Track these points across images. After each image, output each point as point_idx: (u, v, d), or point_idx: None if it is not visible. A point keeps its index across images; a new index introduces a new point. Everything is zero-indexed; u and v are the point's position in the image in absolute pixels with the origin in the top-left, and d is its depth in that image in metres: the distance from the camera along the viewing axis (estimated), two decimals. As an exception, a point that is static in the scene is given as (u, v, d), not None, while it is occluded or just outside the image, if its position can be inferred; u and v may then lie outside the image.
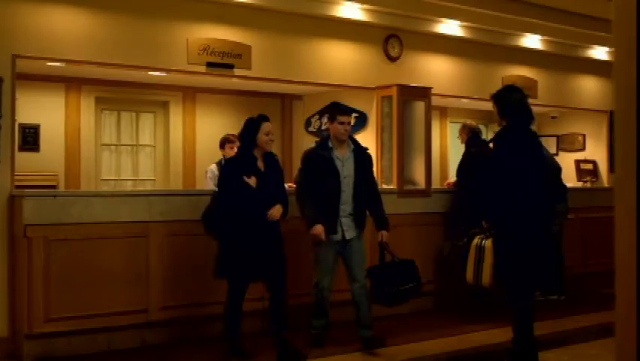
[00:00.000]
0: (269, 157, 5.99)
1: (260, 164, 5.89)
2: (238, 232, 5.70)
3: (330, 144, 6.20)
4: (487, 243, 5.44)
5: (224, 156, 7.76)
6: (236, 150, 7.64)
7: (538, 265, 5.25)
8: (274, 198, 5.86)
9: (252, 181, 5.77)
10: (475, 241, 5.60)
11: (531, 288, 5.51)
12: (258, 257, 5.72)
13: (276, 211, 5.81)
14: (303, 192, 6.19)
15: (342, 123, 6.16)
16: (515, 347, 5.36)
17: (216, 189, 6.08)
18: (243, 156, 5.91)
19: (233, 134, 7.84)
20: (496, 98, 5.39)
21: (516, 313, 5.33)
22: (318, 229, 6.02)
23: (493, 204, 5.26)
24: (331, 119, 6.26)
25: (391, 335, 6.53)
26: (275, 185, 5.93)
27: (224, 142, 7.80)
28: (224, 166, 6.17)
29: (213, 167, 7.74)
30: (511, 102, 5.29)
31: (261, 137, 5.86)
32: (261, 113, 6.06)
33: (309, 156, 6.27)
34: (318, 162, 6.14)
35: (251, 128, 5.90)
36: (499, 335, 6.54)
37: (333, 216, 6.09)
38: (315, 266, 6.23)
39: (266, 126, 5.88)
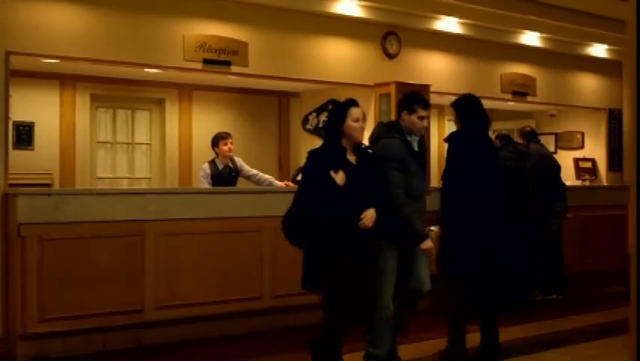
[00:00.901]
0: (361, 149, 5.08)
1: (350, 157, 4.99)
2: (321, 242, 4.84)
3: (409, 138, 5.35)
4: (435, 230, 5.65)
5: (217, 154, 7.69)
6: (230, 146, 7.61)
7: (488, 263, 5.61)
8: (367, 198, 4.94)
9: (338, 177, 4.88)
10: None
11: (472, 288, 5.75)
12: (342, 275, 4.82)
13: (368, 219, 4.86)
14: (402, 197, 5.16)
15: (422, 118, 5.37)
16: (449, 348, 5.76)
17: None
18: (329, 148, 5.00)
19: (225, 132, 7.77)
20: (456, 105, 5.91)
21: (451, 310, 5.76)
22: (430, 243, 5.28)
23: (449, 199, 5.71)
24: (409, 111, 5.36)
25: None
26: (369, 182, 5.00)
27: (216, 140, 7.70)
28: (308, 161, 5.08)
29: (205, 166, 7.66)
30: (470, 108, 5.83)
31: (350, 124, 4.95)
32: (350, 98, 5.16)
33: (397, 152, 5.23)
34: (406, 159, 5.25)
35: (337, 115, 5.06)
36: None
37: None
38: (385, 282, 5.22)
39: (355, 112, 4.98)
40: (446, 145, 6.07)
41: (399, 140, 5.26)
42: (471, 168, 5.64)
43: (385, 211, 4.97)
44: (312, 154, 5.05)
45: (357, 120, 4.97)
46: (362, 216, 4.84)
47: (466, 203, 5.59)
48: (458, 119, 5.88)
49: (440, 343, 6.41)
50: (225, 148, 7.58)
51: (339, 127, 4.96)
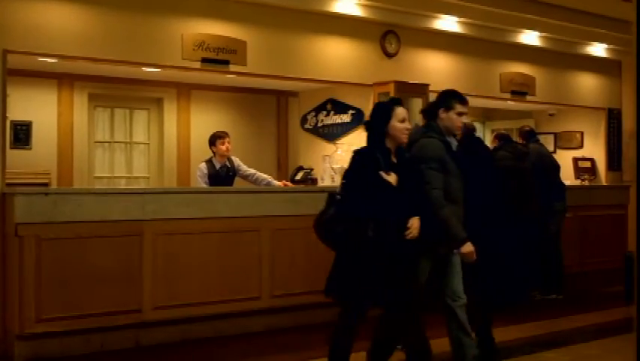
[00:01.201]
0: (401, 151, 4.85)
1: (393, 158, 4.79)
2: (372, 245, 4.58)
3: (448, 139, 5.17)
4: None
5: (214, 153, 7.65)
6: (227, 145, 7.58)
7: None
8: (413, 203, 4.76)
9: (392, 178, 4.67)
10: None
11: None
12: (389, 278, 4.66)
13: (415, 229, 4.72)
14: (440, 197, 4.94)
15: (460, 114, 5.17)
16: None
17: (332, 191, 4.99)
18: (375, 148, 4.75)
19: (222, 131, 7.74)
20: (427, 112, 5.84)
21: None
22: (471, 247, 5.04)
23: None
24: (446, 108, 5.16)
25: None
26: (412, 185, 4.80)
27: (213, 139, 7.67)
28: (354, 162, 4.83)
29: (203, 166, 7.63)
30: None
31: (395, 125, 4.72)
32: (393, 98, 5.02)
33: (436, 152, 5.02)
34: (445, 159, 5.04)
35: (382, 114, 4.81)
36: (497, 334, 6.50)
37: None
38: (453, 273, 5.16)
39: (401, 112, 4.76)
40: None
41: (437, 139, 5.07)
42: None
43: (425, 215, 4.81)
44: (359, 154, 4.80)
45: (402, 121, 4.75)
46: (409, 225, 4.67)
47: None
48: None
49: (439, 343, 6.39)
50: (223, 147, 7.55)
51: (384, 127, 4.74)
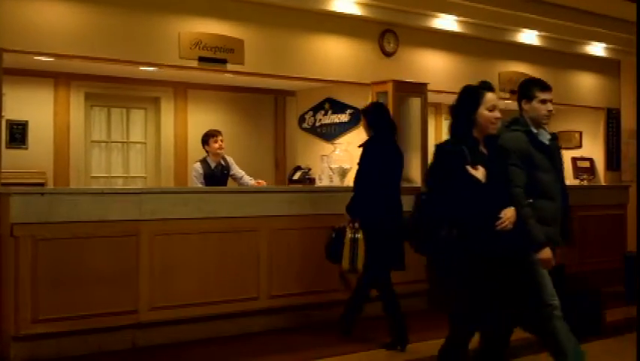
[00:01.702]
0: (491, 141, 4.39)
1: (482, 149, 4.35)
2: (470, 247, 4.17)
3: (535, 131, 4.82)
4: (360, 236, 5.98)
5: (207, 152, 7.61)
6: (220, 143, 7.53)
7: (396, 248, 5.95)
8: (505, 196, 4.36)
9: (479, 173, 4.23)
10: (348, 234, 6.03)
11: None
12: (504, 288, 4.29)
13: (509, 219, 4.27)
14: (521, 196, 4.54)
15: (544, 102, 4.80)
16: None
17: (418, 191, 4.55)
18: (460, 140, 4.29)
19: (215, 129, 7.70)
20: (367, 112, 6.33)
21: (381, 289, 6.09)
22: (549, 253, 4.64)
23: (367, 201, 5.99)
24: (527, 98, 4.85)
25: (384, 336, 6.40)
26: (503, 177, 4.40)
27: (206, 137, 7.63)
28: (438, 157, 4.38)
29: (197, 165, 7.59)
30: (379, 118, 6.22)
31: (483, 113, 4.27)
32: (484, 81, 4.44)
33: (518, 146, 4.66)
34: (530, 152, 4.69)
35: (469, 100, 4.32)
36: None
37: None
38: (542, 281, 4.78)
39: (491, 98, 4.29)
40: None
41: (521, 132, 4.73)
42: (386, 174, 6.05)
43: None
44: (442, 149, 4.35)
45: (492, 109, 4.28)
46: (501, 215, 4.26)
47: (383, 206, 5.96)
48: (368, 127, 6.24)
49: (438, 344, 6.36)
50: (216, 145, 7.52)
51: (472, 115, 4.27)
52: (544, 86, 4.90)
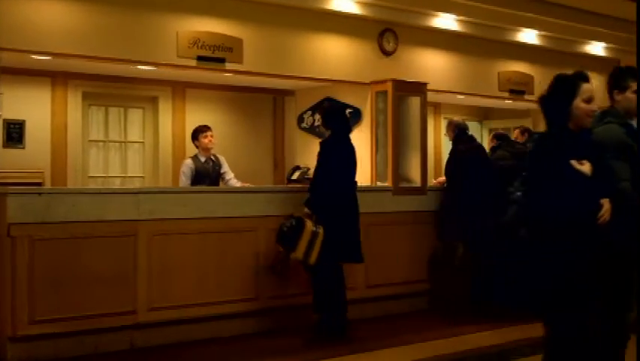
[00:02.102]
0: (585, 135, 4.05)
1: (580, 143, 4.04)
2: (581, 249, 3.84)
3: (631, 122, 4.44)
4: (321, 230, 6.19)
5: (197, 148, 7.56)
6: (210, 139, 7.48)
7: (353, 241, 6.38)
8: (612, 191, 4.00)
9: (585, 167, 3.88)
10: (309, 226, 6.21)
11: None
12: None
13: (607, 211, 3.88)
14: (629, 190, 4.15)
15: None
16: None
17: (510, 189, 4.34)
18: (559, 133, 3.99)
19: (204, 125, 7.63)
20: (325, 112, 6.65)
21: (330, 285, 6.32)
22: None
23: (325, 197, 6.31)
24: (619, 89, 4.48)
25: (382, 337, 6.43)
26: (606, 172, 4.04)
27: (196, 133, 7.57)
28: (536, 150, 4.15)
29: (189, 161, 7.52)
30: (337, 117, 6.59)
31: (579, 105, 3.94)
32: (579, 71, 4.15)
33: (616, 138, 4.28)
34: (629, 145, 4.29)
35: (564, 91, 4.00)
36: (494, 336, 6.52)
37: None
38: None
39: (587, 89, 3.97)
40: None
41: (616, 124, 4.36)
42: (345, 169, 6.42)
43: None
44: (542, 140, 4.12)
45: (589, 100, 3.96)
46: (603, 206, 3.89)
47: (343, 198, 6.38)
48: (325, 125, 6.62)
49: (438, 344, 6.33)
50: (205, 141, 7.47)
51: (567, 107, 3.95)
52: (637, 74, 4.47)
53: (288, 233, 6.29)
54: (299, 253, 6.23)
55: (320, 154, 6.44)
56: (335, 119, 6.59)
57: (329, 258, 6.28)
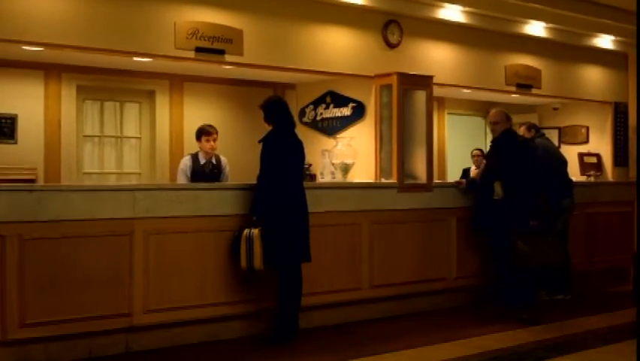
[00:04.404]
0: None
1: None
2: None
3: None
4: (255, 232, 6.06)
5: (200, 148, 7.31)
6: (212, 144, 7.20)
7: (300, 239, 6.23)
8: None
9: None
10: (245, 232, 6.10)
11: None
12: None
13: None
14: None
15: None
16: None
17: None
18: None
19: (210, 126, 7.35)
20: (266, 107, 6.49)
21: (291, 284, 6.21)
22: None
23: (271, 196, 6.17)
24: None
25: (393, 339, 6.34)
26: None
27: (199, 135, 7.30)
28: None
29: (187, 159, 7.27)
30: (279, 112, 6.46)
31: None
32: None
33: None
34: None
35: None
36: (506, 339, 6.46)
37: None
38: None
39: None
40: None
41: None
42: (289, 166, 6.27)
43: None
44: None
45: None
46: None
47: (287, 198, 6.20)
48: (267, 120, 6.45)
49: (440, 347, 6.19)
50: (207, 145, 7.17)
51: None
52: None
53: (233, 246, 6.21)
54: (242, 261, 6.11)
55: (261, 153, 6.28)
56: (275, 114, 6.44)
57: (280, 259, 6.17)
